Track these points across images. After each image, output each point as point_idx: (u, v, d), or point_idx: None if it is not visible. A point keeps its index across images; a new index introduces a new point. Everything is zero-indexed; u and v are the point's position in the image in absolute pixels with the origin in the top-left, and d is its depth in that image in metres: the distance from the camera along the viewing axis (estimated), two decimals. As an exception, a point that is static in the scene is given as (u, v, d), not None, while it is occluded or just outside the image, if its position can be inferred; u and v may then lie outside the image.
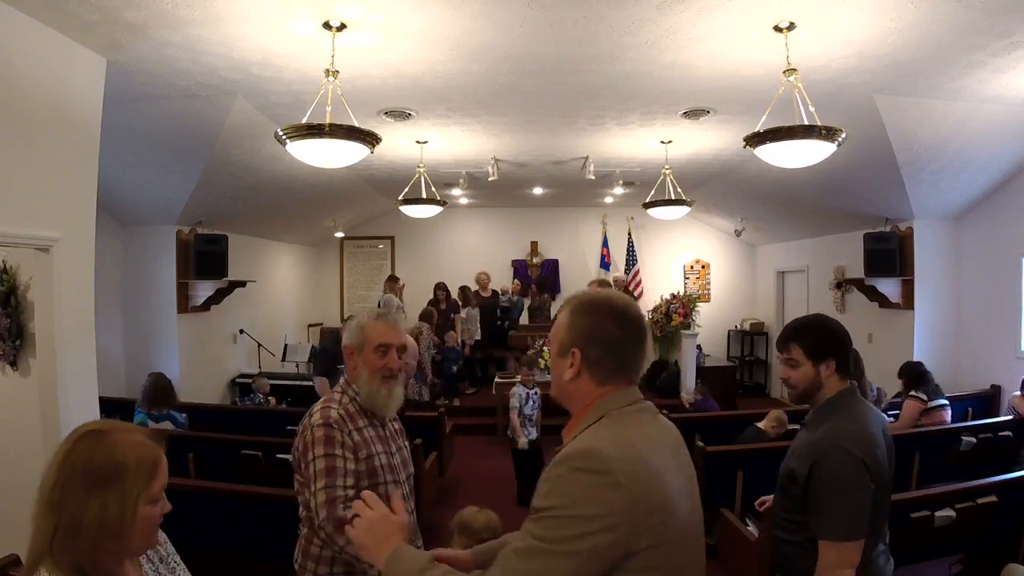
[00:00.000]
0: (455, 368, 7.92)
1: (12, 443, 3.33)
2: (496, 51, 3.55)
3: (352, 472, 1.79)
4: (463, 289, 9.05)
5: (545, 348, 6.83)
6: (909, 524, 2.89)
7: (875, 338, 6.79)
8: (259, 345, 7.76)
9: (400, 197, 6.20)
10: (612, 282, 8.63)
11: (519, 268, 10.36)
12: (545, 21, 3.16)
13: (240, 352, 7.63)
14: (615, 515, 1.05)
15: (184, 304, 6.36)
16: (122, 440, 1.15)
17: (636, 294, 9.52)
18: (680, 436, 1.31)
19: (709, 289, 10.38)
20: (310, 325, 9.93)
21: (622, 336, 1.25)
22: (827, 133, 3.17)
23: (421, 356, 6.95)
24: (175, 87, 3.96)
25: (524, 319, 9.24)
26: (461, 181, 7.11)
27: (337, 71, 3.27)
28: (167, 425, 4.63)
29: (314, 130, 3.16)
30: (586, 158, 6.29)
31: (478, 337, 8.78)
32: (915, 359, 5.51)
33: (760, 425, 4.47)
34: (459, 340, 8.23)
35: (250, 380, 6.92)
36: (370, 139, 3.30)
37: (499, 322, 8.94)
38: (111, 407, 4.64)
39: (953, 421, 4.74)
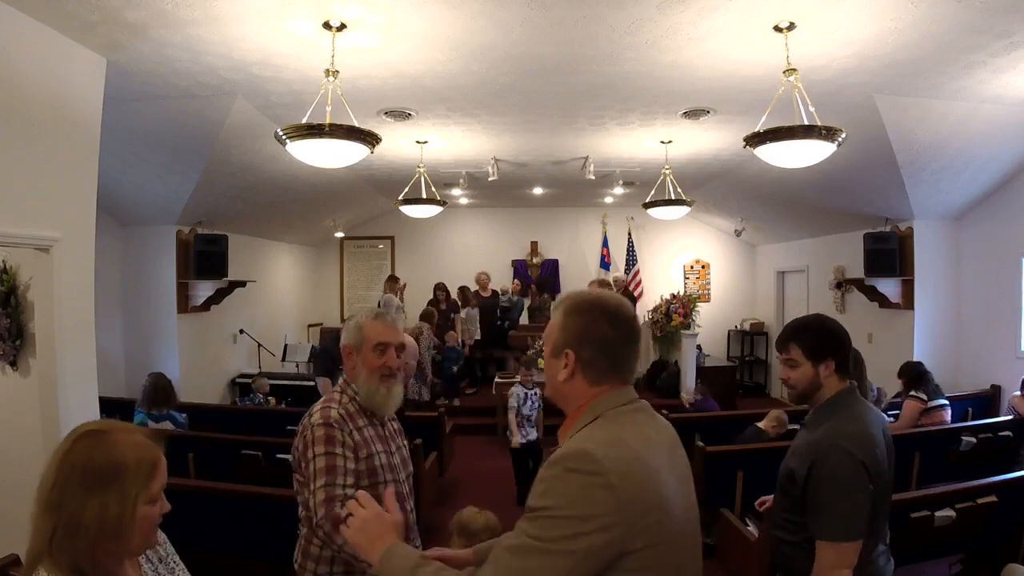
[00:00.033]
0: (455, 368, 7.92)
1: (12, 443, 3.33)
2: (496, 51, 3.56)
3: (352, 471, 1.79)
4: (462, 289, 9.05)
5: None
6: (909, 524, 2.89)
7: (875, 338, 6.78)
8: (259, 345, 7.76)
9: (400, 197, 6.20)
10: (612, 282, 8.64)
11: (519, 268, 10.36)
12: (545, 21, 3.16)
13: (240, 352, 7.63)
14: (609, 515, 1.05)
15: (184, 304, 6.36)
16: (121, 440, 1.15)
17: (636, 294, 9.52)
18: (676, 435, 1.32)
19: (709, 289, 10.38)
20: (310, 325, 9.93)
21: (615, 336, 1.25)
22: (827, 133, 3.17)
23: (421, 356, 6.95)
24: (175, 87, 3.96)
25: (524, 319, 9.24)
26: (461, 181, 7.12)
27: (337, 71, 3.27)
28: (167, 425, 4.63)
29: (314, 130, 3.16)
30: (586, 158, 6.29)
31: (478, 337, 8.78)
32: (915, 359, 5.51)
33: (760, 425, 4.47)
34: (459, 340, 8.23)
35: (250, 380, 6.92)
36: (370, 139, 3.30)
37: (499, 322, 8.94)
38: (111, 407, 4.64)
39: (953, 421, 4.74)
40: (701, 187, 7.66)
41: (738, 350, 9.96)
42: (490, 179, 6.59)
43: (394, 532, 1.31)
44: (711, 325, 9.67)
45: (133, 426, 1.27)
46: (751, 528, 3.33)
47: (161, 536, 1.34)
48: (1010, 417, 4.68)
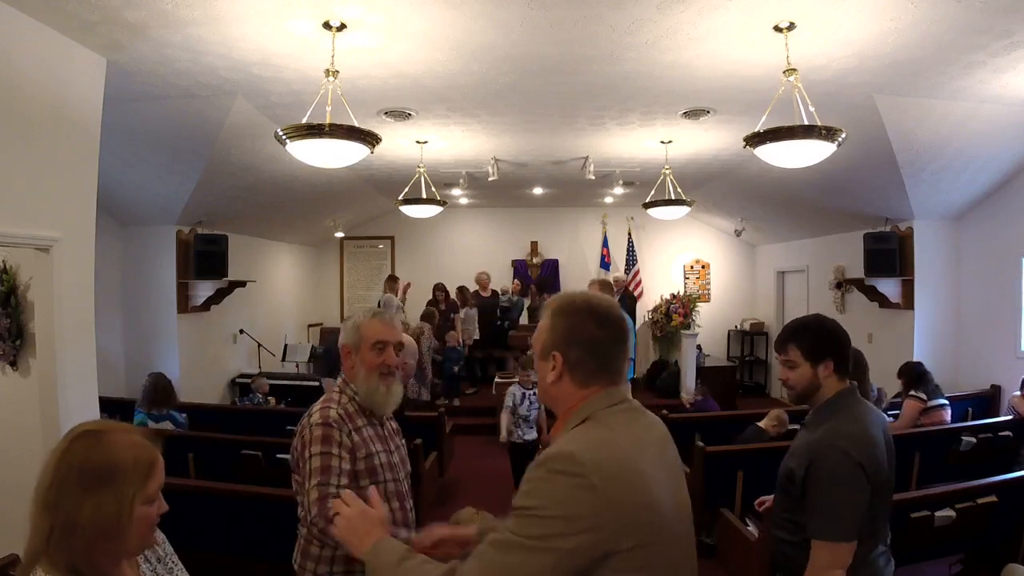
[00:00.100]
0: (456, 368, 7.92)
1: (12, 443, 3.33)
2: (496, 51, 3.56)
3: (347, 472, 1.80)
4: (461, 289, 9.05)
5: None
6: (909, 524, 2.89)
7: (875, 338, 6.78)
8: (259, 345, 7.76)
9: (400, 197, 6.20)
10: (612, 282, 8.64)
11: (519, 268, 10.36)
12: (545, 21, 3.16)
13: (240, 352, 7.63)
14: (591, 516, 1.06)
15: (184, 304, 6.36)
16: (118, 440, 1.16)
17: (636, 294, 9.52)
18: (667, 433, 1.32)
19: (709, 289, 10.38)
20: (310, 325, 9.94)
21: (602, 337, 1.26)
22: (827, 133, 3.17)
23: (422, 356, 6.95)
24: (175, 87, 3.96)
25: (524, 319, 9.24)
26: (461, 181, 7.12)
27: (337, 71, 3.27)
28: (167, 425, 4.63)
29: (314, 130, 3.16)
30: (586, 158, 6.29)
31: (476, 337, 8.78)
32: (915, 359, 5.51)
33: (761, 424, 4.47)
34: (460, 340, 8.23)
35: (250, 380, 6.92)
36: (370, 139, 3.30)
37: (499, 322, 8.94)
38: (111, 407, 4.65)
39: (953, 421, 4.74)
40: (701, 187, 7.66)
41: (738, 350, 9.96)
42: (490, 179, 6.59)
43: (380, 527, 1.34)
44: (711, 325, 9.67)
45: (130, 426, 1.27)
46: (751, 528, 3.33)
47: (160, 536, 1.34)
48: (1010, 417, 4.68)
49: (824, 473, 1.68)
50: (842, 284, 7.50)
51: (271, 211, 7.28)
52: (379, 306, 7.60)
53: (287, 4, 2.94)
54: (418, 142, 5.54)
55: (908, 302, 6.29)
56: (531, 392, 5.35)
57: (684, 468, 1.38)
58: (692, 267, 10.40)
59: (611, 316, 1.28)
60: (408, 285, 8.39)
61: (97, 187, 3.53)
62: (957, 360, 6.28)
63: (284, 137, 3.19)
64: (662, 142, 5.59)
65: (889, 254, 6.24)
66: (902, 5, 2.96)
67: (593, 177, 6.57)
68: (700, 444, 4.03)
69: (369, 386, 1.93)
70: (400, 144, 5.60)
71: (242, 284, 6.99)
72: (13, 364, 3.48)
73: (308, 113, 3.47)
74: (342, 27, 3.14)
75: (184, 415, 4.92)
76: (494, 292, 9.27)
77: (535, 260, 10.42)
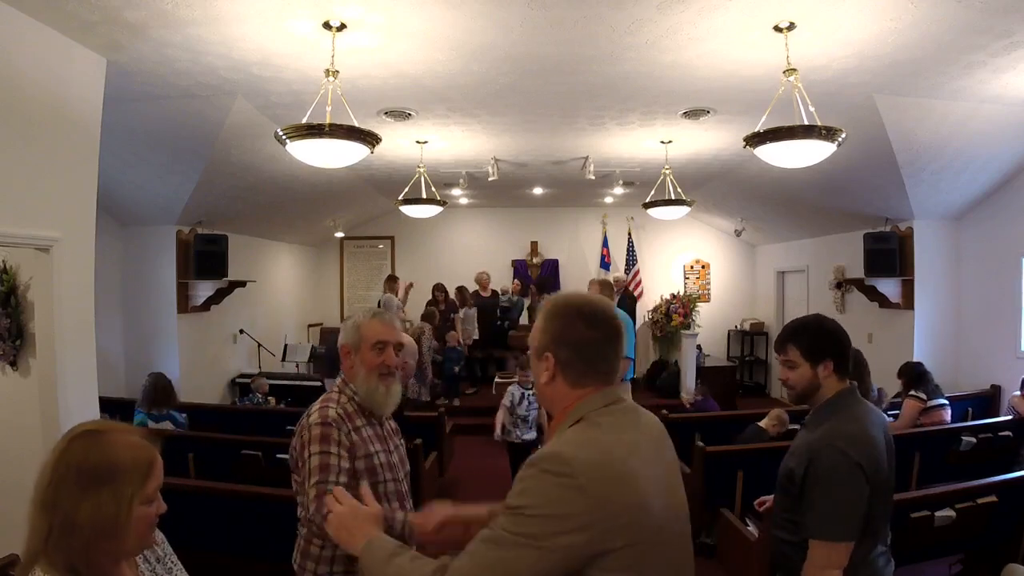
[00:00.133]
0: (457, 368, 7.92)
1: (12, 443, 3.33)
2: (496, 51, 3.55)
3: (346, 471, 1.80)
4: (460, 289, 9.04)
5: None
6: (909, 524, 2.89)
7: (875, 338, 6.78)
8: (259, 345, 7.76)
9: (400, 197, 6.20)
10: (613, 282, 8.64)
11: (519, 268, 10.36)
12: (545, 21, 3.16)
13: (240, 352, 7.64)
14: (580, 516, 1.08)
15: (184, 304, 6.36)
16: (117, 440, 1.16)
17: (636, 294, 9.52)
18: (664, 432, 1.32)
19: (709, 289, 10.38)
20: (310, 325, 9.94)
21: (592, 337, 1.26)
22: (827, 133, 3.17)
23: (422, 356, 6.95)
24: (175, 87, 3.96)
25: (524, 319, 9.24)
26: (461, 181, 7.11)
27: (337, 71, 3.27)
28: (167, 425, 4.63)
29: (314, 130, 3.16)
30: (586, 158, 6.29)
31: (476, 337, 8.78)
32: (915, 359, 5.51)
33: (761, 424, 4.47)
34: (460, 340, 8.23)
35: (250, 380, 6.92)
36: (370, 139, 3.30)
37: (499, 322, 8.94)
38: (111, 407, 4.65)
39: (953, 421, 4.74)
40: (701, 187, 7.66)
41: (738, 350, 9.96)
42: (490, 179, 6.59)
43: (372, 524, 1.36)
44: (711, 325, 9.67)
45: (129, 426, 1.27)
46: (751, 528, 3.33)
47: (159, 536, 1.34)
48: (1010, 417, 4.68)
49: (823, 473, 1.68)
50: (842, 284, 7.50)
51: (271, 211, 7.28)
52: (379, 306, 7.60)
53: (287, 4, 2.94)
54: (418, 142, 5.54)
55: (908, 302, 6.29)
56: (530, 392, 5.35)
57: (685, 469, 1.38)
58: (692, 267, 10.40)
59: (601, 316, 1.28)
60: (411, 285, 8.39)
61: (97, 187, 3.53)
62: (957, 360, 6.28)
63: (284, 137, 3.19)
64: (662, 142, 5.59)
65: (889, 254, 6.24)
66: (902, 5, 2.96)
67: (593, 177, 6.57)
68: (700, 444, 4.03)
69: (368, 386, 1.93)
70: (400, 144, 5.60)
71: (242, 284, 6.99)
72: (13, 364, 3.48)
73: (308, 113, 3.47)
74: (342, 27, 3.14)
75: (184, 415, 4.92)
76: (494, 292, 9.27)
77: (535, 260, 10.42)
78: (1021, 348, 5.61)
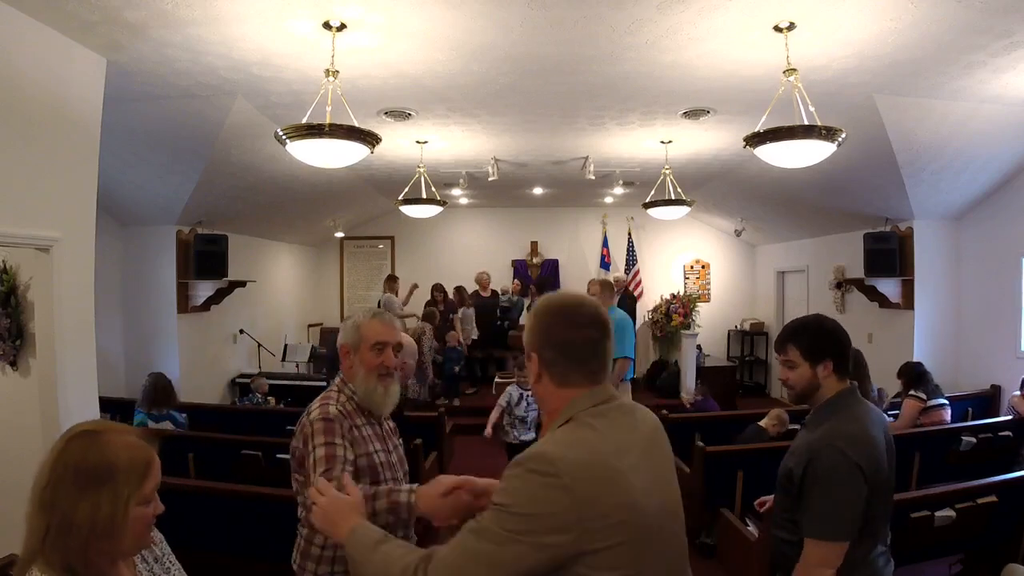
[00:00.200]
0: (457, 368, 7.92)
1: (12, 443, 3.34)
2: (496, 51, 3.56)
3: (351, 462, 1.80)
4: (459, 289, 9.04)
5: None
6: (909, 524, 2.89)
7: (875, 338, 6.78)
8: (259, 345, 7.76)
9: (400, 197, 6.21)
10: (613, 282, 8.64)
11: (519, 268, 10.36)
12: (545, 21, 3.16)
13: (240, 352, 7.64)
14: (563, 515, 1.08)
15: (184, 304, 6.36)
16: (115, 440, 1.16)
17: (636, 294, 9.52)
18: (658, 429, 1.33)
19: (709, 289, 10.38)
20: (310, 325, 9.94)
21: (574, 337, 1.27)
22: (827, 133, 3.17)
23: (422, 356, 6.95)
24: (175, 87, 3.96)
25: (524, 319, 9.23)
26: (461, 181, 7.12)
27: (337, 71, 3.27)
28: (167, 425, 4.63)
29: (314, 130, 3.16)
30: (586, 158, 6.29)
31: (475, 337, 8.78)
32: (915, 359, 5.51)
33: (761, 424, 4.47)
34: (460, 340, 8.23)
35: (250, 380, 6.92)
36: (370, 139, 3.30)
37: (499, 322, 8.94)
38: (111, 407, 4.65)
39: (953, 421, 4.74)
40: (701, 187, 7.66)
41: (738, 350, 9.96)
42: (490, 179, 6.59)
43: (355, 513, 1.37)
44: (711, 325, 9.67)
45: (127, 427, 1.27)
46: (751, 528, 3.33)
47: (157, 536, 1.34)
48: (1010, 417, 4.68)
49: (822, 473, 1.68)
50: (842, 284, 7.50)
51: (271, 211, 7.28)
52: (379, 306, 7.61)
53: (287, 4, 2.94)
54: (418, 142, 5.54)
55: (908, 302, 6.28)
56: (528, 393, 5.35)
57: (684, 468, 1.38)
58: (692, 267, 10.40)
59: (584, 317, 1.28)
60: (414, 286, 8.40)
61: (97, 187, 3.53)
62: (957, 360, 6.28)
63: (284, 137, 3.19)
64: (662, 142, 5.59)
65: (889, 254, 6.24)
66: (902, 5, 2.96)
67: (593, 177, 6.57)
68: (700, 444, 4.03)
69: (368, 386, 1.93)
70: (400, 144, 5.60)
71: (242, 284, 6.99)
72: (13, 364, 3.48)
73: (308, 113, 3.47)
74: (342, 27, 3.14)
75: (184, 415, 4.92)
76: (494, 292, 9.27)
77: (535, 260, 10.42)
78: (1021, 348, 5.61)
